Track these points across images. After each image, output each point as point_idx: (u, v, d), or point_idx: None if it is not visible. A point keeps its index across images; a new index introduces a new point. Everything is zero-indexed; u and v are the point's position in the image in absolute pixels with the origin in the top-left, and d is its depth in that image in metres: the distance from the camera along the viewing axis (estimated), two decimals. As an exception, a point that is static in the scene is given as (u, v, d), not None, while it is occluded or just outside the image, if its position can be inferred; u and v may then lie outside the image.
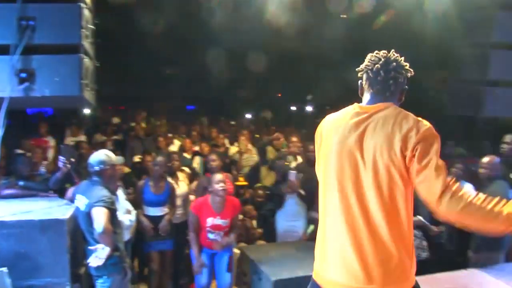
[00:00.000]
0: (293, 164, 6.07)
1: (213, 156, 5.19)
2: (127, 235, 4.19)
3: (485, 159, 4.52)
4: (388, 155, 1.82)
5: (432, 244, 4.67)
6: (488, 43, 5.72)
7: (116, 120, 10.47)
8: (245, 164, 6.85)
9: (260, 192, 5.82)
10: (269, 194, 5.84)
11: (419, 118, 1.89)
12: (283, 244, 5.24)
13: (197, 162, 6.66)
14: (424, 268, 4.41)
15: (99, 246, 3.30)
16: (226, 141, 8.22)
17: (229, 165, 6.72)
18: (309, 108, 14.65)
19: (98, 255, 3.30)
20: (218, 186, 4.12)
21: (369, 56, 2.05)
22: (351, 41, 13.63)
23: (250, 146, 7.26)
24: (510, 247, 4.57)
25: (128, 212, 4.25)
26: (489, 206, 1.75)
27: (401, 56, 2.05)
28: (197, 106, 17.26)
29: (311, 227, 5.45)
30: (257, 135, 8.80)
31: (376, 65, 1.99)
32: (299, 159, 6.18)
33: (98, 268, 3.34)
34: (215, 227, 4.21)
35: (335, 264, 1.96)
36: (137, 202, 4.80)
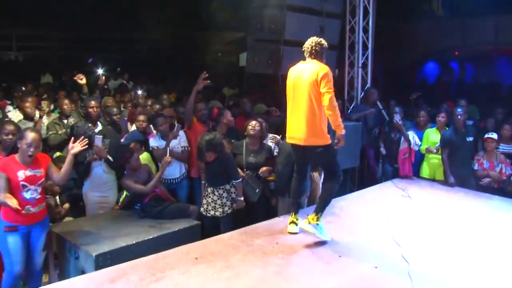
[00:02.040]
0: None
1: (10, 127, 4.67)
2: None
3: None
4: (311, 81, 4.05)
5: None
6: (284, 5, 6.45)
7: None
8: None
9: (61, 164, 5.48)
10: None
11: (324, 66, 4.12)
12: (96, 217, 5.12)
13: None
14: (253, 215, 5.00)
15: None
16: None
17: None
18: (100, 71, 14.05)
19: None
20: (29, 150, 3.96)
21: (308, 40, 4.26)
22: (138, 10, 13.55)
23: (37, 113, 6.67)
24: (311, 192, 5.40)
25: None
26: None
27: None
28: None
29: (123, 195, 5.44)
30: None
31: (308, 45, 4.23)
32: (100, 125, 6.01)
33: None
34: (30, 180, 3.93)
35: (293, 128, 4.25)
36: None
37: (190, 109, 5.81)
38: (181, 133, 5.81)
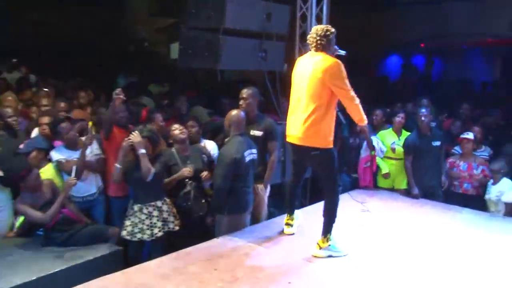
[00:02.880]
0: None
1: None
2: None
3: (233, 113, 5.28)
4: (316, 77, 4.35)
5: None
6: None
7: None
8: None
9: None
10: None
11: (332, 59, 4.41)
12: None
13: None
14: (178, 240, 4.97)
15: None
16: None
17: None
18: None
19: None
20: None
21: (311, 31, 4.58)
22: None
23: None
24: (254, 206, 5.48)
25: None
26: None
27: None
28: None
29: (20, 219, 5.25)
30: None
31: (312, 38, 4.51)
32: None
33: None
34: None
35: (290, 125, 4.62)
36: None
37: (109, 119, 5.71)
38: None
